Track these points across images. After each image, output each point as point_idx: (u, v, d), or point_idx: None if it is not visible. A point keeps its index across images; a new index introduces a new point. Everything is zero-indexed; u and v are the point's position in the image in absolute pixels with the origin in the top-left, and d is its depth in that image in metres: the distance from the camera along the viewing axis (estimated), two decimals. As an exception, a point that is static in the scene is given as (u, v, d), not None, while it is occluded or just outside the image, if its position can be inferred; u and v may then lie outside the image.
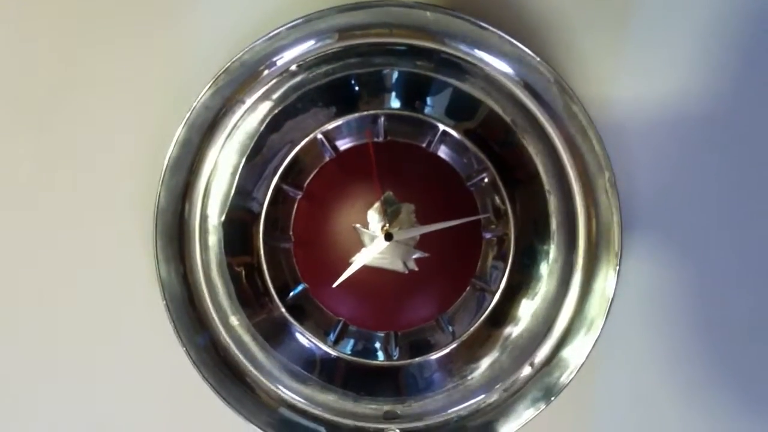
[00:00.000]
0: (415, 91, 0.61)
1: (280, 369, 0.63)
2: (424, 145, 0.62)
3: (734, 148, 0.65)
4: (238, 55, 0.59)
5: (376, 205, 0.61)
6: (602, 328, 0.60)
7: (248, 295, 0.63)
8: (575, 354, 0.61)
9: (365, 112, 0.61)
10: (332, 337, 0.63)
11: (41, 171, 0.66)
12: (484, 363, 0.63)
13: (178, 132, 0.60)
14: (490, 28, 0.58)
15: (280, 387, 0.63)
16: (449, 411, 0.63)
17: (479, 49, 0.60)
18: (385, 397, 0.63)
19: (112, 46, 0.65)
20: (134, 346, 0.66)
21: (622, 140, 0.64)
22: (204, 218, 0.62)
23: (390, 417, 0.63)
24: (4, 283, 0.67)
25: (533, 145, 0.61)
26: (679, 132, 0.64)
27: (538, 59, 0.59)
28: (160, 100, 0.64)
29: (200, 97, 0.60)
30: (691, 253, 0.65)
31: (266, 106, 0.61)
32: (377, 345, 0.63)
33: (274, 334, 0.63)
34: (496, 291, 0.62)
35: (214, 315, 0.63)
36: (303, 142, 0.61)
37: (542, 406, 0.61)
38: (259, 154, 0.62)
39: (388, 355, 0.63)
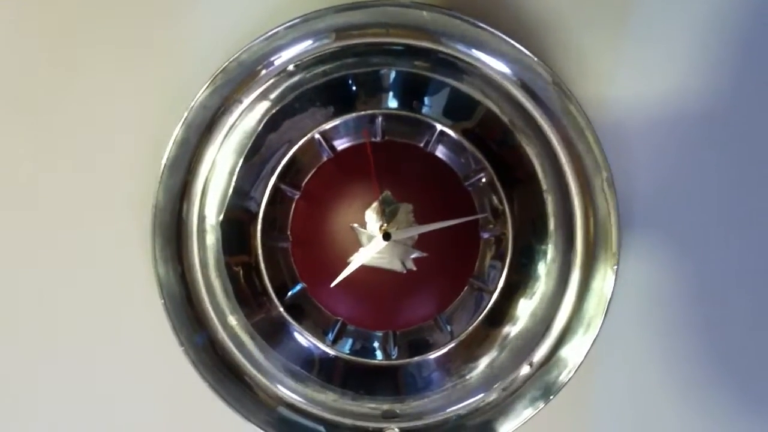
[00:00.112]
0: (412, 91, 0.61)
1: (278, 368, 0.63)
2: (421, 144, 0.62)
3: (733, 146, 0.65)
4: (236, 55, 0.59)
5: (374, 204, 0.61)
6: (601, 328, 0.60)
7: (246, 294, 0.63)
8: (574, 353, 0.61)
9: (363, 112, 0.61)
10: (331, 336, 0.63)
11: (41, 171, 0.66)
12: (483, 362, 0.63)
13: (176, 132, 0.60)
14: (488, 27, 0.58)
15: (279, 386, 0.63)
16: (448, 410, 0.63)
17: (477, 48, 0.60)
18: (383, 397, 0.63)
19: (110, 47, 0.65)
20: (133, 345, 0.66)
21: (620, 139, 0.64)
22: (202, 218, 0.62)
23: (389, 416, 0.63)
24: (4, 283, 0.67)
25: (531, 144, 0.61)
26: (678, 130, 0.64)
27: (536, 59, 0.58)
28: (158, 100, 0.64)
29: (198, 96, 0.60)
30: (689, 252, 0.65)
31: (264, 105, 0.61)
32: (376, 344, 0.64)
33: (272, 333, 0.63)
34: (495, 290, 0.62)
35: (213, 314, 0.63)
36: (301, 142, 0.61)
37: (541, 405, 0.61)
38: (256, 154, 0.62)
39: (387, 355, 0.63)
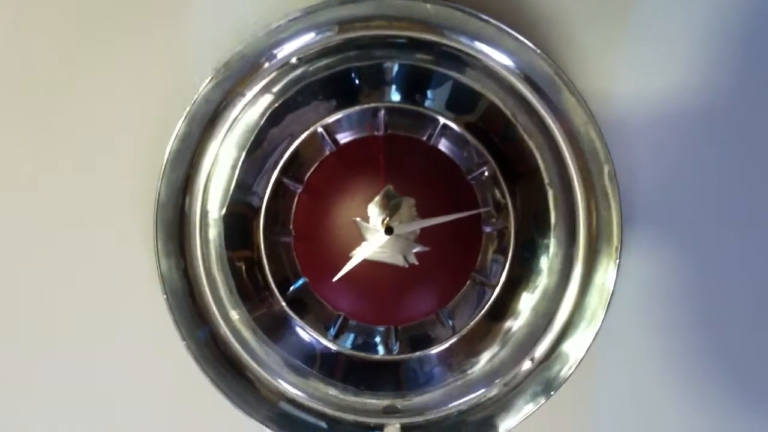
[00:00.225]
0: (415, 84, 0.62)
1: (280, 363, 0.63)
2: (424, 138, 0.62)
3: (735, 142, 0.65)
4: (239, 48, 0.59)
5: (377, 198, 0.61)
6: (602, 323, 0.60)
7: (249, 289, 0.63)
8: (575, 348, 0.61)
9: (365, 106, 0.61)
10: (332, 331, 0.63)
11: (42, 166, 0.66)
12: (484, 357, 0.63)
13: (179, 126, 0.60)
14: (491, 20, 0.59)
15: (281, 381, 0.63)
16: (449, 405, 0.63)
17: (480, 41, 0.60)
18: (385, 392, 0.63)
19: (112, 40, 0.65)
20: (135, 339, 0.66)
21: (622, 135, 0.64)
22: (204, 212, 0.62)
23: (390, 411, 0.63)
24: (4, 283, 0.67)
25: (534, 138, 0.61)
26: (680, 126, 0.64)
27: (539, 52, 0.59)
28: (160, 94, 0.64)
29: (201, 90, 0.60)
30: (690, 247, 0.65)
31: (266, 99, 0.61)
32: (377, 339, 0.64)
33: (274, 328, 0.63)
34: (497, 285, 0.62)
35: (215, 309, 0.63)
36: (303, 136, 0.61)
37: (542, 400, 0.61)
38: (259, 148, 0.62)
39: (389, 350, 0.63)
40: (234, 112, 0.61)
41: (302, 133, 0.61)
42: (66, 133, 0.66)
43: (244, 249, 0.63)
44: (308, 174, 0.62)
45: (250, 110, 0.61)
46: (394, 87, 0.62)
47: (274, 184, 0.62)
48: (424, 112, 0.61)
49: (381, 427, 0.63)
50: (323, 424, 0.63)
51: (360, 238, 0.62)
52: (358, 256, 0.61)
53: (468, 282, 0.63)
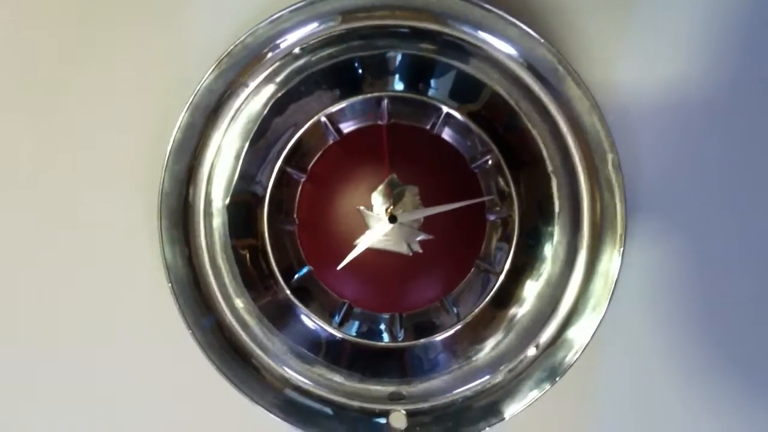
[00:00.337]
0: (418, 73, 0.61)
1: (285, 351, 0.63)
2: (428, 127, 0.62)
3: (739, 130, 0.65)
4: (241, 38, 0.59)
5: (380, 187, 0.61)
6: (606, 310, 0.60)
7: (253, 277, 0.63)
8: (580, 334, 0.61)
9: (369, 95, 0.61)
10: (337, 319, 0.63)
11: (42, 165, 0.66)
12: (489, 344, 0.63)
13: (182, 116, 0.60)
14: (494, 9, 0.58)
15: (286, 368, 0.63)
16: (454, 392, 0.63)
17: (483, 30, 0.59)
18: (390, 378, 0.63)
19: (112, 39, 0.65)
20: (140, 328, 0.67)
21: (626, 123, 0.64)
22: (208, 202, 0.62)
23: (395, 398, 0.63)
24: (5, 281, 0.67)
25: (537, 127, 0.61)
26: (683, 115, 0.64)
27: (542, 41, 0.58)
28: (163, 84, 0.64)
29: (203, 80, 0.60)
30: (694, 236, 0.65)
31: (270, 89, 0.61)
32: (382, 327, 0.64)
33: (279, 316, 0.63)
34: (501, 272, 0.62)
35: (220, 297, 0.63)
36: (307, 125, 0.61)
37: (547, 386, 0.61)
38: (262, 138, 0.62)
39: (393, 337, 0.63)
40: (237, 102, 0.61)
41: (306, 122, 0.61)
42: (66, 132, 0.66)
43: (249, 238, 0.63)
44: (312, 163, 0.62)
45: (253, 100, 0.61)
46: (397, 76, 0.61)
47: (277, 173, 0.62)
48: (428, 101, 0.61)
49: (386, 413, 0.63)
50: (329, 411, 0.63)
51: (364, 227, 0.62)
52: (363, 244, 0.61)
53: (472, 269, 0.63)
